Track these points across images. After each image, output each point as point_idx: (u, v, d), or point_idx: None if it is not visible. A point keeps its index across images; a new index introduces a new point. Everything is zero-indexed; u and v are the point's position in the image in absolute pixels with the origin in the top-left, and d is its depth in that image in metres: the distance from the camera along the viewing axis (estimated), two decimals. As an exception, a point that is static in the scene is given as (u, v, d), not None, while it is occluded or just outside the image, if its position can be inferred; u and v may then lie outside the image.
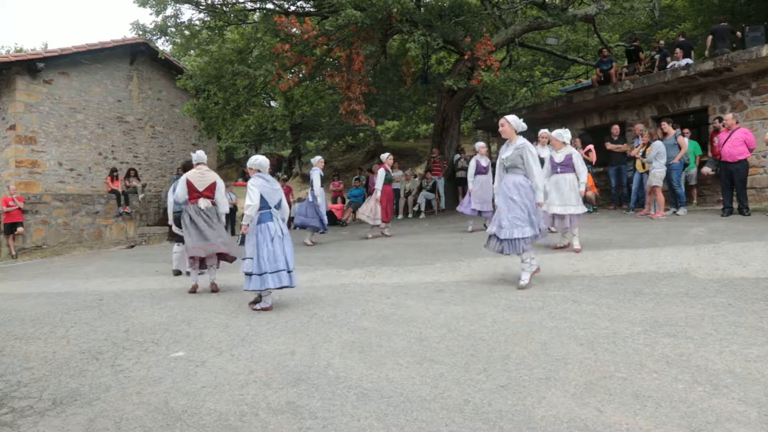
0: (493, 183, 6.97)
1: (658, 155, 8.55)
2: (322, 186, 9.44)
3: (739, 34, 10.26)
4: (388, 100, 16.79)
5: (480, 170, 9.07)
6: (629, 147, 10.14)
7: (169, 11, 11.89)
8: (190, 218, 5.93)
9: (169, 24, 11.95)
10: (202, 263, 6.03)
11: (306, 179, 19.97)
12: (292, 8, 13.07)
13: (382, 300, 4.94)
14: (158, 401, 2.99)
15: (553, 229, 6.79)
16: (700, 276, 4.77)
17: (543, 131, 8.13)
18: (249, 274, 4.84)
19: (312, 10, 13.26)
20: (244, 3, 12.85)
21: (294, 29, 11.01)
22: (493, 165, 7.94)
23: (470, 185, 9.02)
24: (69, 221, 13.94)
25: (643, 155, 9.11)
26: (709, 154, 9.54)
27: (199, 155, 6.20)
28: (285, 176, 21.33)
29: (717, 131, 8.93)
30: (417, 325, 4.04)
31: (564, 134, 6.53)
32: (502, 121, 5.11)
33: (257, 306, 4.96)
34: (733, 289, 4.30)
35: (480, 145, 9.39)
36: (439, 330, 3.88)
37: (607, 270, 5.31)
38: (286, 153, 26.84)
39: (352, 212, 14.17)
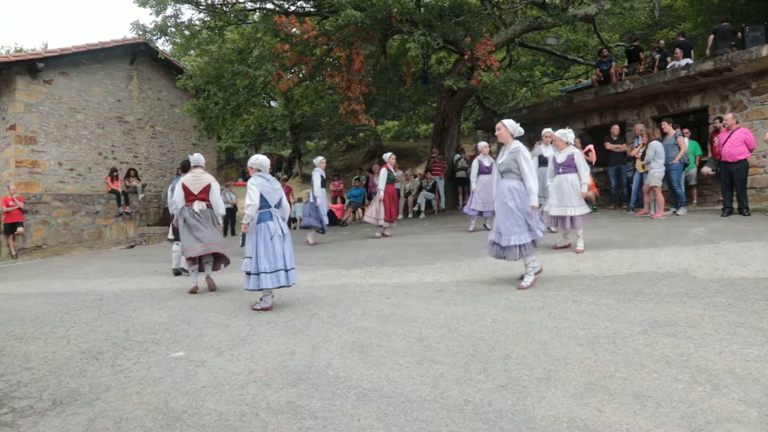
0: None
1: (656, 155, 8.56)
2: (323, 187, 9.46)
3: (739, 35, 10.27)
4: (388, 100, 16.79)
5: (483, 170, 9.09)
6: (629, 147, 10.14)
7: (169, 11, 11.90)
8: (185, 221, 6.06)
9: (169, 24, 11.95)
10: (200, 264, 6.12)
11: (306, 179, 20.00)
12: (292, 8, 13.07)
13: (382, 300, 4.94)
14: (158, 401, 2.99)
15: (553, 229, 6.79)
16: (700, 276, 4.77)
17: (546, 130, 8.13)
18: (249, 274, 4.87)
19: (312, 10, 13.26)
20: (244, 3, 12.85)
21: (294, 29, 11.01)
22: None
23: (473, 185, 9.09)
24: (69, 221, 13.95)
25: (643, 156, 9.11)
26: (709, 154, 9.54)
27: (195, 158, 6.28)
28: (285, 176, 21.35)
29: (717, 131, 8.93)
30: (417, 325, 4.04)
31: (568, 134, 6.51)
32: (498, 125, 5.10)
33: (257, 306, 4.96)
34: (733, 289, 4.30)
35: (483, 145, 9.41)
36: (439, 330, 3.88)
37: (607, 270, 5.31)
38: (286, 153, 26.85)
39: (352, 212, 14.18)
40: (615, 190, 10.62)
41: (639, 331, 3.50)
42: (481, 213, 9.02)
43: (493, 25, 13.59)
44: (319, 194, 9.24)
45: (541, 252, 6.20)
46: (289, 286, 4.96)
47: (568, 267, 5.62)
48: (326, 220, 9.45)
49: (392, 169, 9.67)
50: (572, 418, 2.45)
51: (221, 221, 6.36)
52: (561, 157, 6.50)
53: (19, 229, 12.53)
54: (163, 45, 14.36)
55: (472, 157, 11.95)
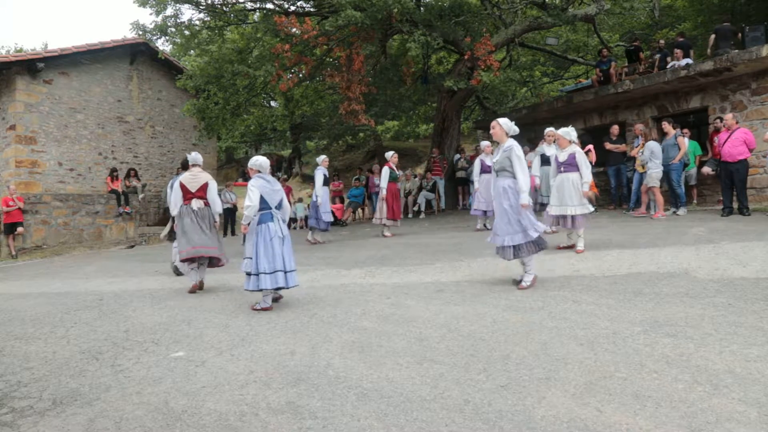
0: None
1: (653, 155, 8.56)
2: (326, 185, 9.49)
3: (739, 35, 10.27)
4: (388, 100, 16.78)
5: (485, 169, 9.11)
6: (628, 147, 10.14)
7: (169, 11, 11.90)
8: (182, 221, 6.08)
9: (169, 24, 11.95)
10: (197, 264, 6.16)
11: (306, 179, 20.02)
12: (292, 8, 13.07)
13: (382, 300, 4.94)
14: (158, 401, 2.99)
15: (553, 229, 6.78)
16: (700, 276, 4.77)
17: (549, 129, 8.12)
18: (249, 274, 4.88)
19: (312, 10, 13.26)
20: (244, 3, 12.85)
21: (294, 29, 11.01)
22: None
23: (476, 184, 9.17)
24: (69, 221, 13.95)
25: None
26: (709, 154, 9.54)
27: (194, 157, 6.31)
28: (285, 176, 21.35)
29: (717, 131, 8.93)
30: (417, 325, 4.04)
31: (571, 132, 6.51)
32: (493, 123, 5.09)
33: (257, 306, 4.97)
34: (733, 289, 4.30)
35: (485, 144, 9.44)
36: (439, 330, 3.88)
37: (607, 270, 5.31)
38: (286, 153, 26.86)
39: (352, 212, 14.17)
40: (615, 190, 10.62)
41: (639, 331, 3.50)
42: (485, 212, 9.06)
43: (493, 25, 13.59)
44: (321, 193, 9.26)
45: (543, 252, 6.18)
46: (288, 288, 4.96)
47: (568, 267, 5.62)
48: (328, 218, 9.45)
49: (394, 168, 9.69)
50: (572, 418, 2.45)
51: (217, 219, 6.38)
52: (563, 156, 6.49)
53: (19, 229, 12.53)
54: (163, 45, 14.38)
55: (473, 157, 11.97)
